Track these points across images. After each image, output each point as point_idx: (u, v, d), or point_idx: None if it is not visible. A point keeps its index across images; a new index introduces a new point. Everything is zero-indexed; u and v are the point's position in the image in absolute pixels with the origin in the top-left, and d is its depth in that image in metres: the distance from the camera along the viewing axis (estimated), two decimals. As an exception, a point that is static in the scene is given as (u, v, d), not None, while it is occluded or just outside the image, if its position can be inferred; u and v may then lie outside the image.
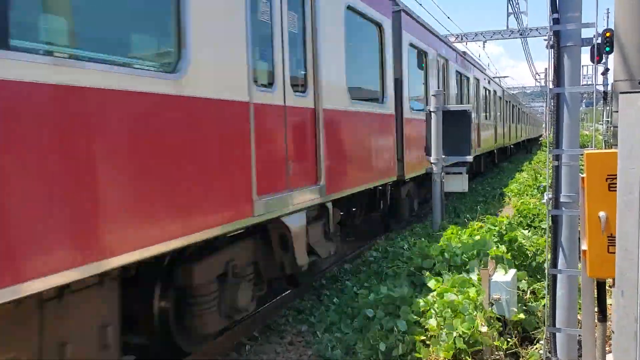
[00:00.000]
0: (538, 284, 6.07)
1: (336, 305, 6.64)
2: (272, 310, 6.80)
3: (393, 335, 5.11)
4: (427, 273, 6.47)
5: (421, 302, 5.55)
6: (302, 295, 7.43)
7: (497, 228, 7.59)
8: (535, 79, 68.27)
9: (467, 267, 6.38)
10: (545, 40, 4.09)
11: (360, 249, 9.51)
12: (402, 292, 5.88)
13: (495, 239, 7.22)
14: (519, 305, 5.32)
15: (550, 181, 4.17)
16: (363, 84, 8.25)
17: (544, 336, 4.51)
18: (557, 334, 4.30)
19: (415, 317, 5.32)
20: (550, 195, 4.13)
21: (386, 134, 8.75)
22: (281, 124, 5.59)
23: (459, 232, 7.77)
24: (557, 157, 4.10)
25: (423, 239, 8.50)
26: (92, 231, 3.37)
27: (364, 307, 5.88)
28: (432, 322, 5.09)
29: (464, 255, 6.65)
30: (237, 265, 5.29)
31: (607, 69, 22.71)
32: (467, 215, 11.01)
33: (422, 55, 11.17)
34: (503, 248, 6.52)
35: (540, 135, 65.26)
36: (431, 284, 6.06)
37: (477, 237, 7.17)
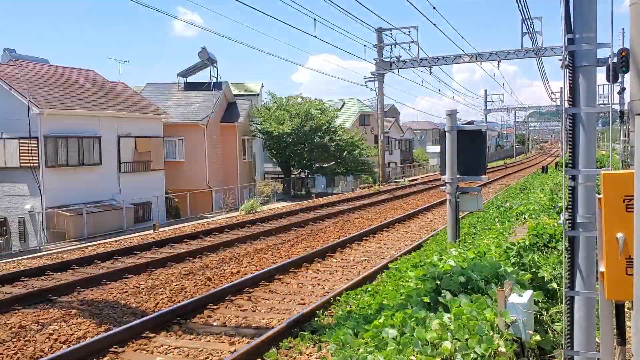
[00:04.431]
0: (556, 307, 5.98)
1: (350, 323, 6.59)
2: (284, 330, 6.77)
3: (407, 356, 5.05)
4: (444, 294, 6.40)
5: (436, 322, 5.48)
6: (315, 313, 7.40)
7: (514, 249, 7.51)
8: (551, 98, 68.01)
9: (487, 289, 6.28)
10: (560, 60, 4.08)
11: (374, 268, 9.49)
12: (416, 312, 5.82)
13: (513, 260, 7.14)
14: (537, 326, 5.24)
15: (566, 202, 4.13)
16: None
17: (562, 359, 4.43)
18: (575, 357, 4.22)
19: (429, 338, 5.26)
20: (566, 216, 4.09)
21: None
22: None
23: (474, 252, 7.69)
24: (574, 178, 4.07)
25: (434, 260, 8.42)
26: None
27: (378, 326, 5.83)
28: (447, 344, 5.03)
29: (480, 278, 6.57)
30: None
31: (623, 89, 22.55)
32: (481, 235, 10.92)
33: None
34: (524, 275, 6.42)
35: None
36: (448, 305, 5.99)
37: (493, 259, 7.09)
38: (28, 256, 14.90)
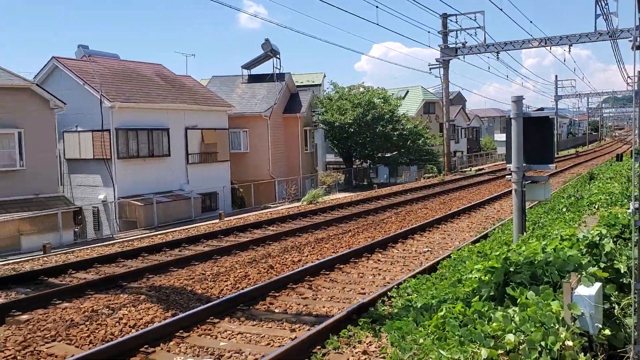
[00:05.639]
0: (627, 299, 5.70)
1: (411, 314, 6.53)
2: (344, 319, 6.79)
3: (470, 348, 4.95)
4: (511, 286, 6.23)
5: (499, 314, 5.35)
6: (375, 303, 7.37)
7: (586, 240, 7.21)
8: (627, 83, 64.73)
9: (557, 281, 6.06)
10: (630, 41, 3.86)
11: (436, 259, 9.35)
12: (479, 304, 5.70)
13: (584, 251, 6.85)
14: (608, 320, 5.01)
15: (637, 190, 3.91)
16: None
17: (631, 355, 4.23)
18: (647, 353, 4.01)
19: (491, 330, 5.14)
20: (637, 205, 3.88)
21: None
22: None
23: (543, 244, 7.44)
24: (646, 164, 3.85)
25: (502, 251, 8.20)
26: None
27: (440, 317, 5.75)
28: (510, 337, 4.89)
29: (551, 270, 6.34)
30: None
31: None
32: (549, 226, 10.56)
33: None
34: (597, 269, 6.14)
35: None
36: (515, 298, 5.82)
37: (565, 251, 6.82)
38: (101, 244, 15.61)
